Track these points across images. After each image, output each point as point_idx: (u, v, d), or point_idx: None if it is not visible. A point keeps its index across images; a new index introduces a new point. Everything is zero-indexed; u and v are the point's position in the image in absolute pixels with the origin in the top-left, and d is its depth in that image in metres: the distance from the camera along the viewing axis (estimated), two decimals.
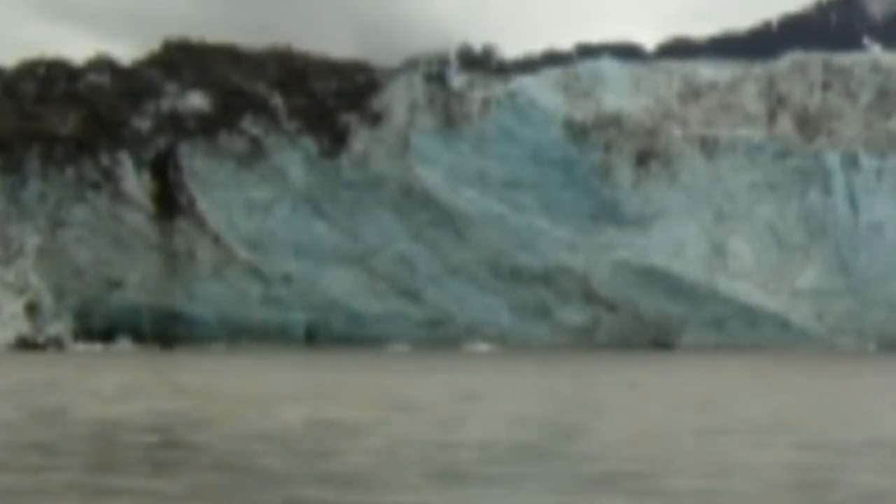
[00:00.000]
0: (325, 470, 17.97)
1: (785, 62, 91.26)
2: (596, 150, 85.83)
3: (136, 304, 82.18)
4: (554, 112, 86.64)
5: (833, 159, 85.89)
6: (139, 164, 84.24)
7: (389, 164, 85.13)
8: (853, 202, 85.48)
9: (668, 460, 19.15)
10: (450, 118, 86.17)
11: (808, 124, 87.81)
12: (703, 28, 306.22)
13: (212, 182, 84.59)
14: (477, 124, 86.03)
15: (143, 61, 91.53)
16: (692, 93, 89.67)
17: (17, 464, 18.79)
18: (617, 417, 27.76)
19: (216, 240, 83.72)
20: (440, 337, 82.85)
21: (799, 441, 21.98)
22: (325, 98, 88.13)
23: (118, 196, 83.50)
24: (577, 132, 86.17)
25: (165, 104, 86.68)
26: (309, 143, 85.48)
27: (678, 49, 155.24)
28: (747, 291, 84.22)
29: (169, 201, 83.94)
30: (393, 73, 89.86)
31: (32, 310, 79.64)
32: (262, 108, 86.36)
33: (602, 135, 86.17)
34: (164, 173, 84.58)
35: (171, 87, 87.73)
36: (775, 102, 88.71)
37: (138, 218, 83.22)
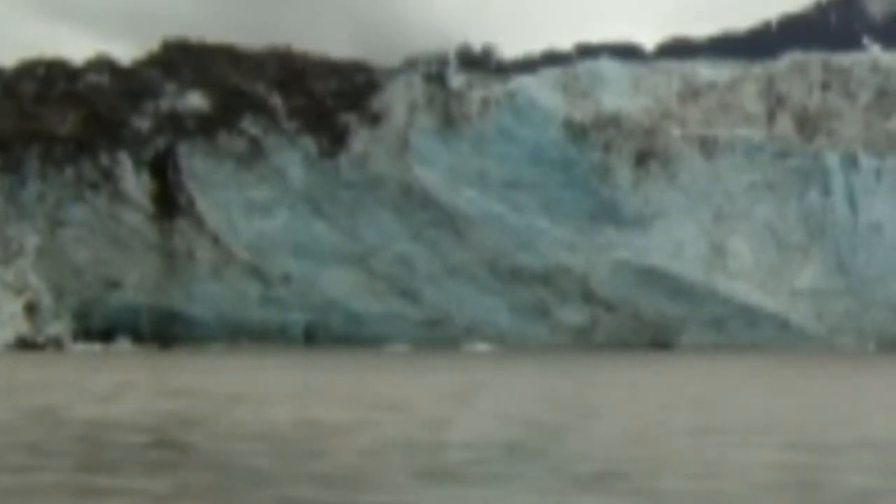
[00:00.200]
0: (314, 470, 17.96)
1: (784, 62, 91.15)
2: (595, 151, 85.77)
3: (136, 305, 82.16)
4: (553, 112, 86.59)
5: (832, 159, 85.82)
6: (138, 164, 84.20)
7: (389, 165, 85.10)
8: (852, 202, 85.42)
9: (659, 460, 19.15)
10: (449, 118, 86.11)
11: (807, 124, 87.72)
12: (702, 28, 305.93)
13: (211, 182, 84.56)
14: (476, 124, 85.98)
15: (142, 61, 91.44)
16: (691, 93, 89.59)
17: (6, 464, 18.79)
18: (611, 417, 27.74)
19: (215, 240, 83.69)
20: (439, 337, 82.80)
21: (791, 441, 21.97)
22: (324, 98, 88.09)
23: (117, 196, 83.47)
24: (577, 132, 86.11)
25: (165, 104, 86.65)
26: (308, 143, 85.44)
27: (677, 49, 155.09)
28: (746, 291, 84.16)
29: (168, 201, 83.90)
30: (392, 74, 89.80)
31: (31, 310, 79.63)
32: (261, 108, 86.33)
33: (601, 135, 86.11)
34: (163, 173, 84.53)
35: (170, 87, 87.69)
36: (775, 102, 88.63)
37: (137, 218, 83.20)
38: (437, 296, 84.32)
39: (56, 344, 78.40)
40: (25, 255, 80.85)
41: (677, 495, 15.68)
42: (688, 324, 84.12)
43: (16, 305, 79.26)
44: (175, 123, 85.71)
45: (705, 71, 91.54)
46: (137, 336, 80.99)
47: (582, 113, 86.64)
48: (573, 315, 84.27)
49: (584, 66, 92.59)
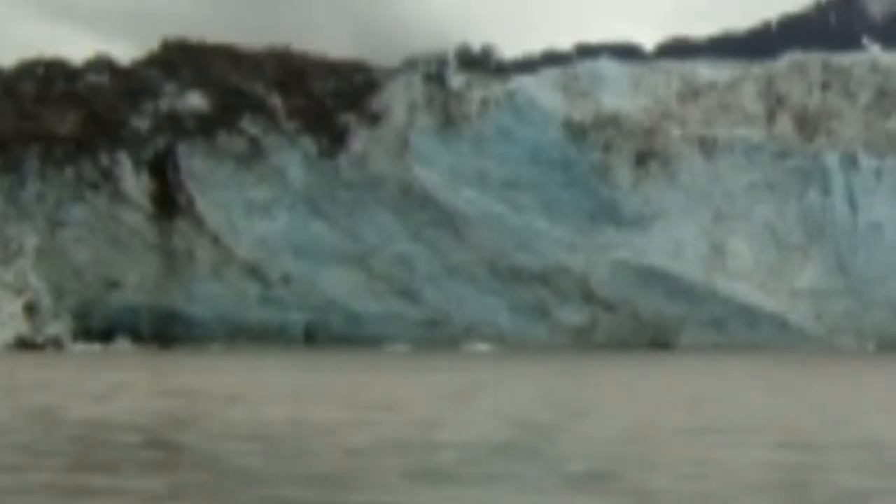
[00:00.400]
0: (306, 470, 17.99)
1: (784, 62, 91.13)
2: (595, 151, 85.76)
3: (135, 305, 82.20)
4: (553, 112, 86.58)
5: (832, 159, 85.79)
6: (138, 164, 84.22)
7: (388, 164, 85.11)
8: (852, 202, 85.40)
9: (653, 460, 19.16)
10: (449, 118, 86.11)
11: (807, 124, 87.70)
12: (702, 28, 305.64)
13: (211, 182, 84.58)
14: (476, 124, 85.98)
15: (141, 61, 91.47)
16: (691, 93, 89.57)
17: (1, 463, 18.81)
18: (608, 417, 27.76)
19: (215, 240, 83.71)
20: (439, 337, 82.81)
21: (787, 441, 21.98)
22: (323, 98, 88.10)
23: (117, 196, 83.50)
24: (576, 132, 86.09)
25: (164, 104, 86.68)
26: (308, 144, 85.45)
27: (677, 49, 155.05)
28: (746, 291, 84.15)
29: (168, 201, 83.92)
30: (392, 74, 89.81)
31: (31, 310, 79.65)
32: (260, 108, 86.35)
33: (601, 135, 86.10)
34: (162, 173, 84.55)
35: (169, 87, 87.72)
36: (774, 102, 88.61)
37: (137, 218, 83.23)
38: (437, 296, 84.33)
39: (56, 344, 78.42)
40: (25, 255, 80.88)
41: (668, 495, 15.70)
42: (687, 324, 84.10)
43: (15, 305, 79.28)
44: (175, 123, 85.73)
45: (705, 71, 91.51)
46: (137, 336, 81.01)
47: (582, 113, 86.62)
48: (573, 315, 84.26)
49: (584, 66, 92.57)
